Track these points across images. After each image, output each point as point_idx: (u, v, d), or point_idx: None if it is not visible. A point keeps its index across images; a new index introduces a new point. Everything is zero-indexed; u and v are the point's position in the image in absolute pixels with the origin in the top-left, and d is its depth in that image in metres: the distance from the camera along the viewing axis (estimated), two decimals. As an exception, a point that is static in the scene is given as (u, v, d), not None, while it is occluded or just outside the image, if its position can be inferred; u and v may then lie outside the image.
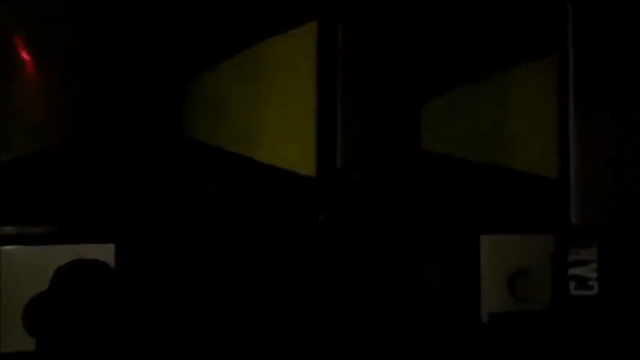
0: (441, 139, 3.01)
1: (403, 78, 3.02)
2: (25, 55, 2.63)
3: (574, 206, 2.95)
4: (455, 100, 3.07)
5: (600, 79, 3.07)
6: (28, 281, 2.52)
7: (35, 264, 2.56)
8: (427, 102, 3.04)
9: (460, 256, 2.84)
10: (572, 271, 2.39)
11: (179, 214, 2.74)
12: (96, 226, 2.65)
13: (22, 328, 2.49)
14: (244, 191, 2.84)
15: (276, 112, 2.90)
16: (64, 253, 2.57)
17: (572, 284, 2.39)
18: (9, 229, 2.56)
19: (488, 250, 2.87)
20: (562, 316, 2.45)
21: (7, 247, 2.55)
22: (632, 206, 2.93)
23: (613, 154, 3.02)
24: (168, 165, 2.77)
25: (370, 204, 2.88)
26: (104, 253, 2.59)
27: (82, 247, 2.61)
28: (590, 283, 2.33)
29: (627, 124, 3.05)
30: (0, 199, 2.56)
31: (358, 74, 2.96)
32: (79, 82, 2.75)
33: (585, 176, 2.98)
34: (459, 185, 2.96)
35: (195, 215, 2.75)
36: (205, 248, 2.74)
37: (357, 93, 2.95)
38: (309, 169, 2.90)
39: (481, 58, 3.07)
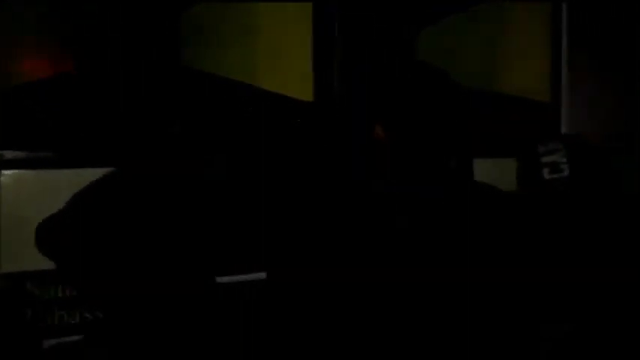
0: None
1: (399, 6, 3.04)
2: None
3: (565, 130, 3.02)
4: (448, 28, 3.09)
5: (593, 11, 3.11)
6: (29, 204, 2.54)
7: (36, 188, 2.58)
8: (421, 30, 3.07)
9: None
10: (544, 159, 2.56)
11: (178, 140, 2.75)
12: (96, 150, 2.65)
13: (21, 250, 2.52)
14: (244, 117, 2.86)
15: (271, 40, 2.91)
16: (64, 178, 2.59)
17: (545, 170, 2.56)
18: (9, 154, 2.56)
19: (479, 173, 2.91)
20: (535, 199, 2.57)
21: (8, 172, 2.55)
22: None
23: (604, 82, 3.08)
24: (167, 92, 2.78)
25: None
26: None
27: (82, 171, 2.61)
28: (562, 166, 2.53)
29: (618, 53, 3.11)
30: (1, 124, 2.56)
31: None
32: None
33: (577, 101, 3.05)
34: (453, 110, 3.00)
35: (199, 139, 2.76)
36: (203, 170, 2.75)
37: (353, 19, 2.97)
38: (307, 94, 2.93)
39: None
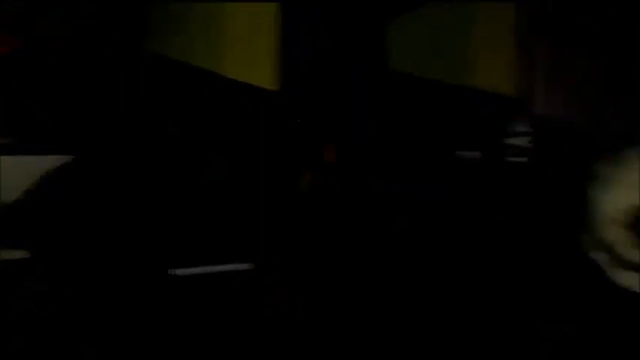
0: (406, 59, 3.04)
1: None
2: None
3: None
4: (420, 20, 3.10)
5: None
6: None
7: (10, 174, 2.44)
8: (393, 22, 3.06)
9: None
10: (509, 141, 2.64)
11: (148, 127, 2.67)
12: (56, 137, 2.54)
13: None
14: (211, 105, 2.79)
15: (240, 27, 2.84)
16: (22, 164, 2.47)
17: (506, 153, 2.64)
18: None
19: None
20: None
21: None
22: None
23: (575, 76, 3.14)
24: (135, 79, 2.69)
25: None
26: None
27: (42, 158, 2.49)
28: (525, 152, 2.60)
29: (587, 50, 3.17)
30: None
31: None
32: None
33: (546, 95, 3.10)
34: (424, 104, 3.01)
35: (166, 128, 2.68)
36: (171, 161, 2.68)
37: (323, 9, 2.93)
38: (273, 83, 2.88)
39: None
